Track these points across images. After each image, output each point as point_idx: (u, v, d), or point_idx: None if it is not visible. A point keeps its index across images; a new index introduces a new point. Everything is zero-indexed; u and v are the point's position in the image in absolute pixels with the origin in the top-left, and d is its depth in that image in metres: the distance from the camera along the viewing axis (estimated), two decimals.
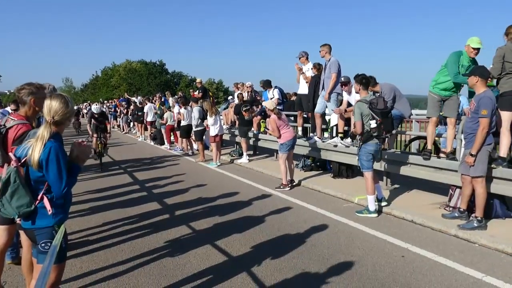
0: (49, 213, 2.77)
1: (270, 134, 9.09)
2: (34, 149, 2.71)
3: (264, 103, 9.87)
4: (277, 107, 9.22)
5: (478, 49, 6.04)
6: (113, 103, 30.55)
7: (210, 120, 11.25)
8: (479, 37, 6.02)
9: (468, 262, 4.56)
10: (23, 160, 2.77)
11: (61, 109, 2.82)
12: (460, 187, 5.96)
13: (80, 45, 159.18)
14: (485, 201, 5.38)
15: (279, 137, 8.26)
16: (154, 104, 18.82)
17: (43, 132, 2.76)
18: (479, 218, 5.39)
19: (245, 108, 11.49)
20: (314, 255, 4.77)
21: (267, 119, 10.31)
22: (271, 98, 11.38)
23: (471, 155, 5.27)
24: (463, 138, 5.76)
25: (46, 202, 2.77)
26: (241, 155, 12.31)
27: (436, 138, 7.74)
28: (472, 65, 6.08)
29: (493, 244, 4.98)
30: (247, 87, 13.76)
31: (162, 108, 16.73)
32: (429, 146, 6.86)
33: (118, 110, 27.32)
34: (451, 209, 6.16)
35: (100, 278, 4.21)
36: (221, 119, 12.42)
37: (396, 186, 7.92)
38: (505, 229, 5.35)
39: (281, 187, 8.32)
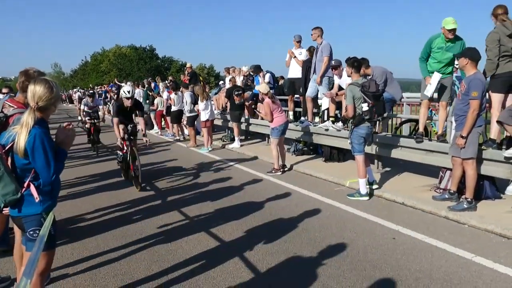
0: (36, 200, 2.72)
1: (262, 118, 9.05)
2: (19, 136, 2.64)
3: (257, 87, 9.80)
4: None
5: (453, 29, 6.06)
6: (103, 89, 30.23)
7: (201, 105, 11.18)
8: (453, 17, 6.05)
9: (458, 243, 4.61)
10: (7, 147, 2.71)
11: (45, 94, 2.74)
12: (450, 169, 5.99)
13: (68, 30, 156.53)
14: (475, 183, 5.42)
15: (272, 121, 8.23)
16: (143, 89, 18.58)
17: (27, 118, 2.68)
18: (469, 200, 5.44)
19: (237, 93, 11.42)
20: (306, 239, 4.79)
21: (259, 104, 10.27)
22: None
23: (462, 137, 5.29)
24: (454, 120, 5.77)
25: (33, 189, 2.72)
26: (232, 140, 12.27)
27: (427, 121, 7.76)
28: (450, 45, 6.15)
29: (483, 225, 5.03)
30: (244, 72, 13.54)
31: (150, 94, 16.55)
32: (421, 128, 6.88)
33: (108, 96, 27.02)
34: (441, 191, 6.21)
35: (92, 265, 4.19)
36: (213, 104, 12.34)
37: (387, 169, 7.96)
38: (494, 210, 5.40)
39: (273, 171, 8.32)
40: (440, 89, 6.47)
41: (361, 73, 7.40)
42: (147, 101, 16.42)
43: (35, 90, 2.73)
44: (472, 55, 5.32)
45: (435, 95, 6.64)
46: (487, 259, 4.17)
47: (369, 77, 7.58)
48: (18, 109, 3.56)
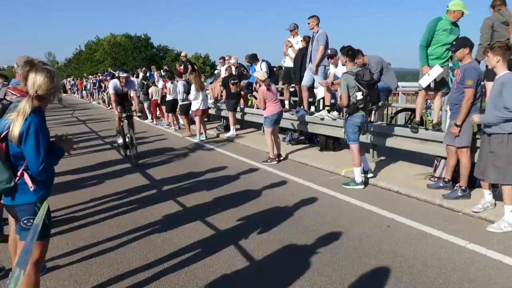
0: (31, 189, 2.71)
1: (257, 107, 9.02)
2: (15, 123, 2.62)
3: (255, 74, 9.78)
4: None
5: (460, 12, 5.94)
6: (98, 78, 30.05)
7: (191, 95, 11.14)
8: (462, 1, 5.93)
9: (452, 230, 4.65)
10: (3, 135, 2.68)
11: (45, 83, 2.72)
12: (445, 158, 6.02)
13: (63, 18, 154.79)
14: (469, 171, 5.45)
15: (264, 109, 8.21)
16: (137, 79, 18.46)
17: (25, 106, 2.66)
18: (463, 188, 5.48)
19: (233, 81, 11.36)
20: (302, 227, 4.82)
21: (254, 93, 10.24)
22: None
23: (456, 125, 5.30)
24: (449, 109, 5.78)
25: (26, 178, 2.71)
26: (228, 129, 12.24)
27: (423, 111, 7.78)
28: (454, 28, 6.04)
29: (476, 213, 5.07)
30: (232, 63, 13.42)
31: (144, 83, 16.44)
32: (417, 118, 6.89)
33: (103, 85, 26.85)
34: (436, 179, 6.25)
35: (87, 254, 4.19)
36: (207, 94, 12.27)
37: (382, 158, 7.98)
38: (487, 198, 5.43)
39: (268, 160, 8.32)
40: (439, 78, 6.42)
41: (359, 62, 7.42)
42: (142, 90, 16.31)
43: (36, 79, 2.71)
44: (471, 43, 5.31)
45: (432, 84, 6.59)
46: (480, 246, 4.22)
47: (365, 66, 7.58)
48: (21, 97, 3.52)
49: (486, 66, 5.67)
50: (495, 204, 5.09)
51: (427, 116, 9.80)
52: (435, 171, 6.44)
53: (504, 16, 5.53)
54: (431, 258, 4.00)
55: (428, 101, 8.36)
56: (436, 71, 6.10)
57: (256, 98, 8.60)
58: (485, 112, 4.86)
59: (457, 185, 5.61)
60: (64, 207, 5.68)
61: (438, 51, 6.18)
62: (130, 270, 3.84)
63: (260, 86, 8.33)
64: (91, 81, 32.19)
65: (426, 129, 6.90)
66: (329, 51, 8.42)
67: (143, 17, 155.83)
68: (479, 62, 5.66)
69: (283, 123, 9.17)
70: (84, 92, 35.54)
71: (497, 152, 4.65)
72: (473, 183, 5.77)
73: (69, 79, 45.36)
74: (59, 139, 2.97)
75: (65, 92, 41.19)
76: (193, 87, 11.10)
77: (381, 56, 7.89)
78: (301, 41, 9.66)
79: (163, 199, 5.98)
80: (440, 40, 6.12)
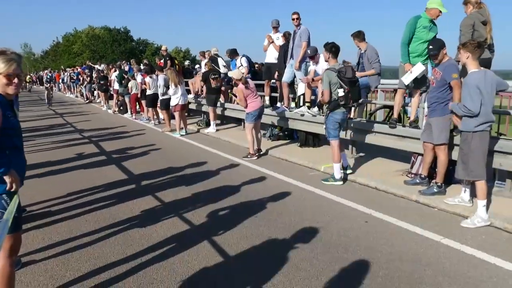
0: None
1: (238, 103, 9.01)
2: None
3: (230, 73, 9.74)
4: (246, 76, 9.12)
5: (437, 10, 6.05)
6: (76, 71, 29.49)
7: (170, 90, 11.05)
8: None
9: (427, 225, 4.74)
10: None
11: (2, 68, 2.65)
12: (422, 155, 6.13)
13: (39, 9, 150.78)
14: (446, 168, 5.57)
15: (246, 106, 8.21)
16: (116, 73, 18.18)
17: None
18: (439, 184, 5.60)
19: (213, 76, 11.30)
20: (281, 223, 4.84)
21: (234, 88, 10.21)
22: (239, 67, 11.22)
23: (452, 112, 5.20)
24: (426, 107, 5.88)
25: None
26: (208, 124, 12.19)
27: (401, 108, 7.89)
28: (432, 26, 6.16)
29: (451, 209, 5.19)
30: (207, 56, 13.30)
31: (125, 76, 16.21)
32: (395, 115, 6.99)
33: (81, 78, 26.38)
34: (412, 175, 6.36)
35: (64, 249, 4.12)
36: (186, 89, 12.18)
37: (361, 154, 8.08)
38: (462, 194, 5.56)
39: (248, 156, 8.32)
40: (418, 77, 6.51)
41: (355, 43, 7.59)
42: (122, 84, 16.09)
43: None
44: (443, 45, 5.41)
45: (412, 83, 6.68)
46: (455, 241, 4.32)
47: (361, 51, 7.75)
48: None
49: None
50: (472, 202, 5.19)
51: (405, 113, 9.93)
52: (412, 167, 6.56)
53: (483, 15, 5.63)
54: (407, 253, 4.08)
55: (407, 98, 8.49)
56: (418, 68, 6.16)
57: (236, 96, 8.58)
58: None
59: (433, 181, 5.73)
60: (40, 201, 5.58)
61: (419, 48, 6.27)
62: (108, 265, 3.79)
63: (237, 85, 8.31)
64: (69, 73, 31.56)
65: (404, 126, 7.01)
66: (309, 51, 8.45)
67: (123, 9, 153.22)
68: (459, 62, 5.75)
69: (264, 119, 9.18)
70: (61, 85, 34.83)
71: (463, 148, 4.89)
72: (449, 179, 5.90)
73: (46, 71, 44.38)
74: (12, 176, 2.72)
75: (41, 84, 40.24)
76: (170, 82, 11.03)
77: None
78: (282, 36, 9.67)
79: (141, 194, 5.92)
80: (421, 37, 6.20)
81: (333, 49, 6.45)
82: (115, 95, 17.76)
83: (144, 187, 6.36)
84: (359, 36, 7.94)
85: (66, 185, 6.36)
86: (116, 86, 17.38)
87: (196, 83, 13.80)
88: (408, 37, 6.27)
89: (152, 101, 13.21)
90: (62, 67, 41.54)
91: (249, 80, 8.68)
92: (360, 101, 6.89)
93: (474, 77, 4.72)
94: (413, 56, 6.35)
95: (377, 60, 7.79)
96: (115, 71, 18.28)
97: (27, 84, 39.99)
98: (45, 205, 5.46)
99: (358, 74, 7.42)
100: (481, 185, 4.79)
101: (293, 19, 8.78)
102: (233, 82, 9.30)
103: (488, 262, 3.89)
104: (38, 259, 3.91)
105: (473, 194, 5.08)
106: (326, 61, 6.86)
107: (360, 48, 8.02)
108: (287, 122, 9.28)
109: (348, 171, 6.80)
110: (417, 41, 6.26)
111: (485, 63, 5.47)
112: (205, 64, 12.85)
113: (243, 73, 8.69)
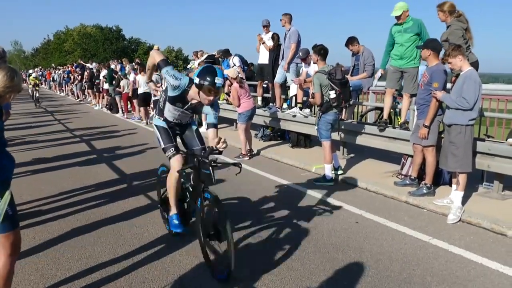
0: None
1: (230, 103, 9.02)
2: None
3: (225, 72, 9.74)
4: (240, 76, 9.14)
5: (396, 16, 6.37)
6: (67, 69, 29.28)
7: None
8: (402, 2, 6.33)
9: (417, 226, 4.81)
10: None
11: (4, 82, 2.65)
12: (411, 156, 6.20)
13: (30, 6, 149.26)
14: (434, 169, 5.64)
15: (238, 106, 8.23)
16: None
17: None
18: (428, 185, 5.67)
19: None
20: (272, 223, 4.87)
21: (227, 86, 10.22)
22: (233, 67, 11.23)
23: (425, 126, 5.46)
24: (416, 108, 5.95)
25: None
26: (200, 124, 12.17)
27: (391, 110, 7.97)
28: (406, 26, 6.37)
29: (440, 209, 5.26)
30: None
31: (116, 76, 16.14)
32: (385, 116, 7.06)
33: (72, 77, 26.19)
34: (402, 177, 6.43)
35: (54, 248, 4.12)
36: None
37: (352, 155, 8.14)
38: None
39: (240, 156, 8.35)
40: (405, 80, 6.61)
41: (354, 49, 7.68)
42: (113, 83, 16.01)
43: None
44: (434, 46, 5.47)
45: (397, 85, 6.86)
46: (443, 242, 4.39)
47: (359, 54, 7.85)
48: None
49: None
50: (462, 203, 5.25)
51: (396, 115, 10.01)
52: (402, 169, 6.63)
53: (464, 22, 5.70)
54: (396, 253, 4.14)
55: (397, 100, 8.57)
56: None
57: (229, 96, 8.60)
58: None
59: (423, 182, 5.79)
60: (31, 200, 5.55)
61: (400, 50, 6.50)
62: (99, 264, 3.79)
63: (232, 83, 8.33)
64: (60, 72, 31.33)
65: (394, 127, 7.08)
66: (300, 53, 8.49)
67: (115, 8, 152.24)
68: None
69: (256, 120, 9.21)
70: (52, 83, 34.54)
71: (456, 142, 5.05)
72: (438, 180, 5.99)
73: (36, 69, 43.96)
74: None
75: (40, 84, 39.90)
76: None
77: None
78: (270, 38, 9.69)
79: (133, 193, 5.92)
80: (398, 40, 6.53)
81: (321, 52, 6.49)
82: (105, 94, 17.70)
83: (136, 186, 6.36)
84: (353, 41, 7.95)
85: (57, 184, 6.33)
86: (105, 86, 17.33)
87: None
88: (389, 43, 6.69)
89: (144, 100, 13.18)
90: (53, 65, 41.22)
91: (243, 80, 8.71)
92: (351, 102, 6.95)
93: (476, 73, 4.99)
94: (396, 59, 6.60)
95: (371, 63, 7.84)
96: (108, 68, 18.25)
97: None
98: (35, 204, 5.44)
99: (351, 78, 7.55)
100: (464, 177, 5.07)
101: (281, 20, 8.85)
102: (228, 81, 9.31)
103: (476, 262, 3.96)
104: (29, 258, 3.90)
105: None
106: (314, 63, 6.90)
107: (354, 52, 8.06)
108: (279, 123, 9.32)
109: (339, 172, 6.86)
110: (396, 45, 6.58)
111: (475, 67, 5.57)
112: (198, 64, 12.84)
113: (238, 73, 8.72)
